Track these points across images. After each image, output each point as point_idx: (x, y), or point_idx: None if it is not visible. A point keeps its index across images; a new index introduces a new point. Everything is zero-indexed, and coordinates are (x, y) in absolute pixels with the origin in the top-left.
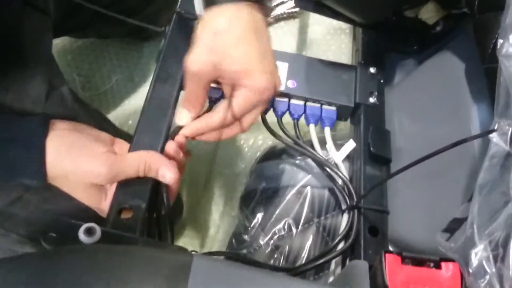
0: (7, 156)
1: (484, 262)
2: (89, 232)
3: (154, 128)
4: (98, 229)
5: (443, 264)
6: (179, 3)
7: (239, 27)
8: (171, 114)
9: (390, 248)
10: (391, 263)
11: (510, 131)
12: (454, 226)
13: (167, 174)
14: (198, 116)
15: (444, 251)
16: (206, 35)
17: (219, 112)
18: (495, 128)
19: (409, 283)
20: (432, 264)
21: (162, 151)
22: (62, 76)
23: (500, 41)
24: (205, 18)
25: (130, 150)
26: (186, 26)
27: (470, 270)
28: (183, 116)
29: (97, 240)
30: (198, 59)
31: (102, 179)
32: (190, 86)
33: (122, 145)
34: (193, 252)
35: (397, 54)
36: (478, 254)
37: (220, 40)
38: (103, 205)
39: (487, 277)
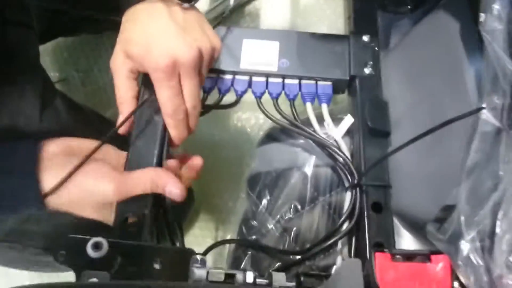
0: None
1: (471, 255)
2: (97, 246)
3: (148, 135)
4: (105, 243)
5: (433, 257)
6: None
7: (140, 11)
8: None
9: (395, 221)
10: (381, 262)
11: (501, 105)
12: (444, 214)
13: (174, 191)
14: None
15: (434, 243)
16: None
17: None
18: (483, 105)
19: (400, 280)
20: (423, 258)
21: (159, 158)
22: (53, 86)
23: (482, 15)
24: None
25: (126, 161)
26: None
27: (459, 262)
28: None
29: (104, 253)
30: (114, 55)
31: (110, 199)
32: (115, 83)
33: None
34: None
35: (391, 15)
36: (466, 246)
37: (124, 29)
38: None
39: (475, 269)
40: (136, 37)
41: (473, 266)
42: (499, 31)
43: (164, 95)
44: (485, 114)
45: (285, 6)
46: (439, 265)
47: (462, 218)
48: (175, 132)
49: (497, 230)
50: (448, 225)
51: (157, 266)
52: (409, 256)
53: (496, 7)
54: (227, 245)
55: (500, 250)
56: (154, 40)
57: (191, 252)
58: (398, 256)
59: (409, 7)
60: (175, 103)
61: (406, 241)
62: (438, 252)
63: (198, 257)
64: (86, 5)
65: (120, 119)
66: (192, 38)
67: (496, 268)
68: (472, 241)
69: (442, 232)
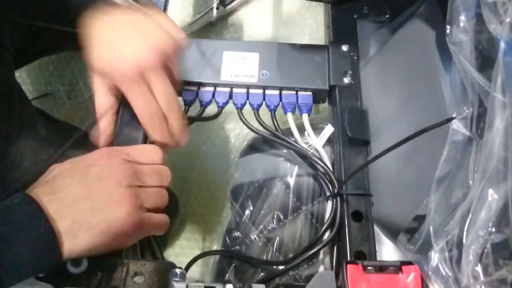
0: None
1: (440, 265)
2: (76, 262)
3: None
4: (85, 259)
5: (404, 268)
6: None
7: (103, 27)
8: None
9: (376, 229)
10: (353, 273)
11: (470, 115)
12: (415, 224)
13: None
14: None
15: (404, 254)
16: None
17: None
18: (454, 115)
19: None
20: (394, 269)
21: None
22: (30, 103)
23: (448, 27)
24: None
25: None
26: None
27: (429, 273)
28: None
29: (84, 269)
30: (92, 73)
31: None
32: (95, 100)
33: None
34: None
35: (370, 24)
36: (435, 256)
37: (92, 47)
38: None
39: (445, 280)
40: (102, 54)
41: (442, 277)
42: (465, 42)
43: (137, 103)
44: (455, 124)
45: (268, 17)
46: (410, 275)
47: (431, 228)
48: (156, 137)
49: (464, 240)
50: (418, 235)
51: (137, 280)
52: (381, 268)
53: (462, 18)
54: (213, 256)
55: (467, 260)
56: (117, 54)
57: (171, 266)
58: (370, 268)
59: (388, 16)
60: (149, 109)
61: (388, 249)
62: (409, 263)
63: (177, 270)
64: (59, 20)
65: (101, 137)
66: (153, 41)
67: (463, 278)
68: (441, 251)
69: (413, 242)
